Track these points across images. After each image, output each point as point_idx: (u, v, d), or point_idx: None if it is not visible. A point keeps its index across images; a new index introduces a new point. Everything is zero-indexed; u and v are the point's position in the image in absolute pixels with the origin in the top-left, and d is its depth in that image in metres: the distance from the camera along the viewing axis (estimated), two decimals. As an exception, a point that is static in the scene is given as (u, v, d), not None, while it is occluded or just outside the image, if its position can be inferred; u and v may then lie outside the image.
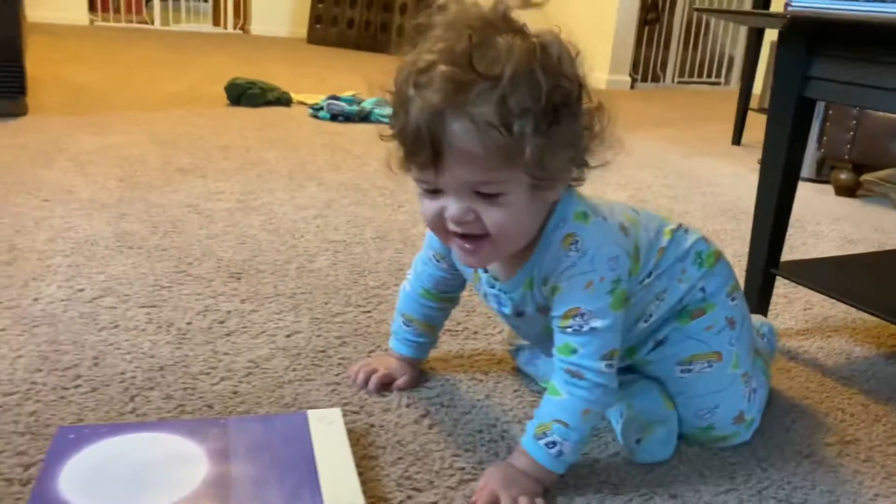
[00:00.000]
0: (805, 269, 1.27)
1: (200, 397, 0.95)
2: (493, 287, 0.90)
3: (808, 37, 1.08)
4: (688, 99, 4.41)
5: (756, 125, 3.24)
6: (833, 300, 1.47)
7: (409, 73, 0.73)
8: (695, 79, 5.04)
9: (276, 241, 1.52)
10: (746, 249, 1.26)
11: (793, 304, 1.42)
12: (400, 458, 0.86)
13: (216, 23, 6.42)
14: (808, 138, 1.17)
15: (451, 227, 0.78)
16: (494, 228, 0.77)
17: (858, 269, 1.31)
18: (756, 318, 1.12)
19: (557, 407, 0.81)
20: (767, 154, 1.17)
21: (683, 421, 0.92)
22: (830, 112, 2.27)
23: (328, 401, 0.96)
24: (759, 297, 1.24)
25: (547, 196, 0.79)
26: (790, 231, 1.22)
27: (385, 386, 1.00)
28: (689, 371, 0.91)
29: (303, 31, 6.05)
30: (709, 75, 5.10)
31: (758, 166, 2.54)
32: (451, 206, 0.76)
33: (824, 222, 2.02)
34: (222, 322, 1.16)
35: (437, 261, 0.97)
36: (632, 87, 4.64)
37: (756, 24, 1.69)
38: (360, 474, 0.83)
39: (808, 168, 2.45)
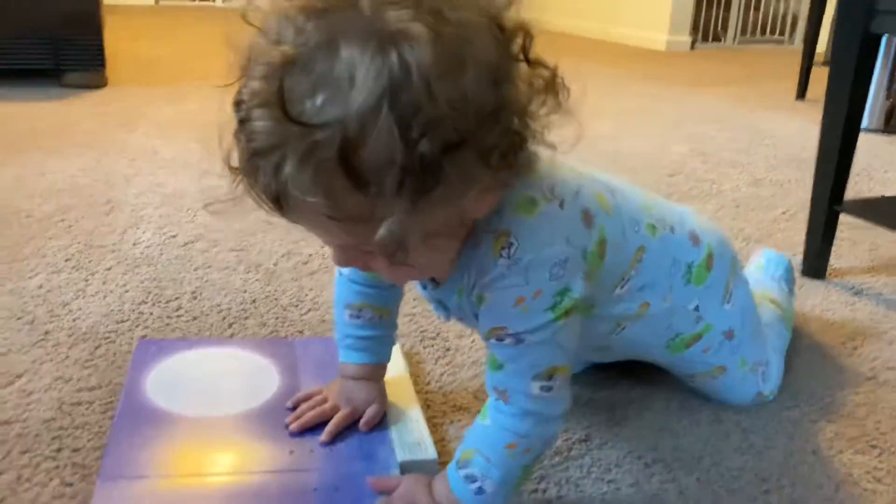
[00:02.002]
0: (869, 206, 1.28)
1: (291, 325, 1.03)
2: (424, 288, 0.73)
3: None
4: (750, 58, 4.33)
5: (821, 80, 3.19)
6: (899, 240, 1.47)
7: (235, 104, 0.53)
8: (757, 37, 4.93)
9: (349, 194, 1.59)
10: (808, 196, 1.28)
11: (857, 245, 1.43)
12: (478, 374, 0.93)
13: None
14: (872, 74, 1.18)
15: None
16: (390, 278, 0.65)
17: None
18: (768, 255, 1.12)
19: (480, 433, 0.67)
20: (832, 89, 1.19)
21: None
22: (899, 60, 2.23)
23: (407, 329, 1.03)
24: (822, 236, 1.25)
25: (461, 224, 0.60)
26: (856, 179, 1.24)
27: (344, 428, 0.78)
28: (693, 382, 0.89)
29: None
30: (771, 33, 4.98)
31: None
32: (334, 254, 0.61)
33: (892, 171, 2.00)
34: (305, 263, 1.23)
35: None
36: (692, 47, 4.58)
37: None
38: (439, 388, 0.90)
39: (876, 118, 2.40)
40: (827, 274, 1.28)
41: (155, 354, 0.90)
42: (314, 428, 0.77)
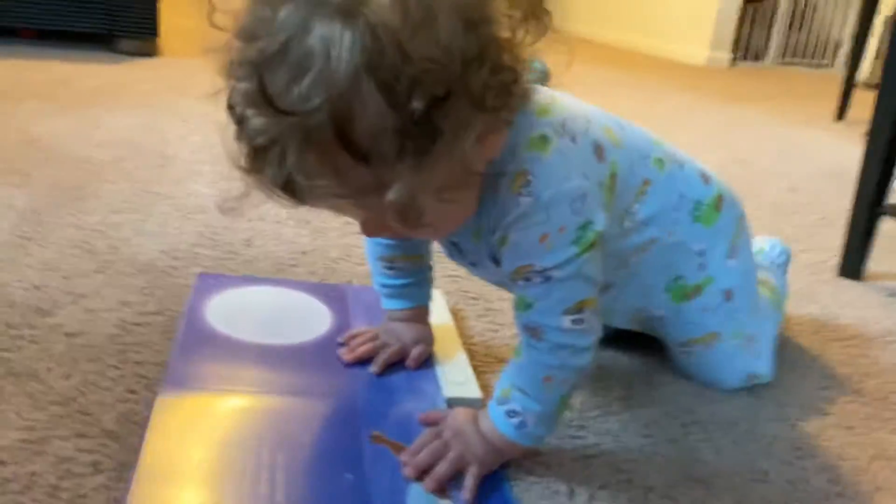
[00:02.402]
0: (912, 211, 1.29)
1: (341, 275, 1.06)
2: None
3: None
4: (790, 78, 4.33)
5: (860, 103, 3.18)
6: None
7: (228, 108, 0.55)
8: (798, 59, 4.93)
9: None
10: (847, 207, 1.29)
11: (894, 254, 1.44)
12: (516, 335, 0.95)
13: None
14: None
15: None
16: (416, 235, 0.66)
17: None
18: (772, 242, 1.09)
19: (516, 370, 0.69)
20: (884, 90, 1.20)
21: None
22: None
23: (450, 288, 1.06)
24: (862, 237, 1.27)
25: (471, 172, 0.58)
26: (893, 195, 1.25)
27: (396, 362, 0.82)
28: (687, 353, 0.87)
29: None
30: (812, 57, 4.97)
31: (862, 140, 2.51)
32: (363, 228, 0.62)
33: (930, 191, 2.00)
34: (351, 223, 1.27)
35: None
36: (732, 64, 4.58)
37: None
38: (482, 342, 0.92)
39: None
40: (863, 276, 1.29)
41: (214, 287, 0.93)
42: (365, 362, 0.80)
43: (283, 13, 0.50)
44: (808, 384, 0.92)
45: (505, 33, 0.54)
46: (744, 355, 0.87)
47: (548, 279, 0.64)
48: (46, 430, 0.67)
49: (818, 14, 4.94)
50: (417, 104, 0.49)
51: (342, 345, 0.83)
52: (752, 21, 4.71)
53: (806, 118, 2.95)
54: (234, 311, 0.88)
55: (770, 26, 4.79)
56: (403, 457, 0.66)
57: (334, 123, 0.49)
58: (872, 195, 1.24)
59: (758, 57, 4.79)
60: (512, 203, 0.62)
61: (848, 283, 1.26)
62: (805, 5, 4.84)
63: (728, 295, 0.84)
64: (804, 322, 1.08)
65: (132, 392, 0.74)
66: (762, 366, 0.88)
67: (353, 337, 0.84)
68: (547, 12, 0.57)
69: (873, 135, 1.24)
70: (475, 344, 0.92)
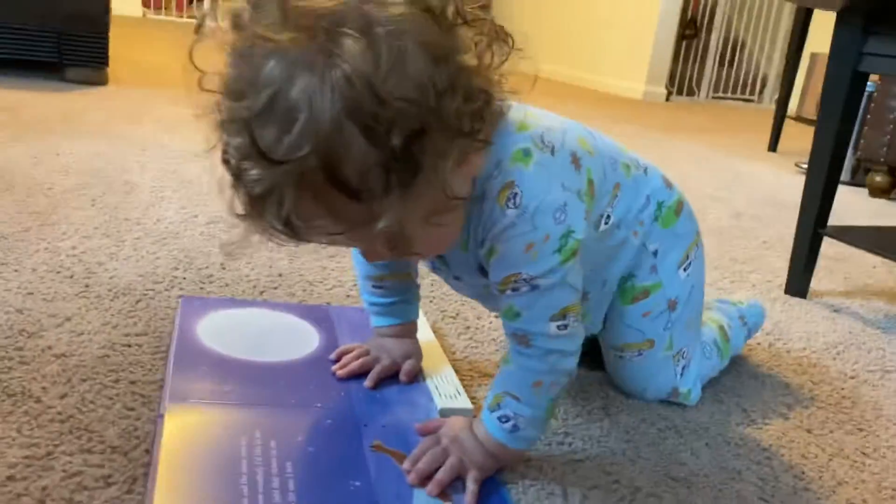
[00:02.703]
0: (849, 232, 1.39)
1: (319, 297, 1.09)
2: None
3: (864, 15, 1.21)
4: (722, 112, 4.53)
5: (791, 135, 3.37)
6: (869, 272, 1.59)
7: (224, 163, 0.58)
8: (729, 95, 5.17)
9: (358, 194, 1.65)
10: (787, 231, 1.38)
11: (834, 273, 1.54)
12: (498, 349, 0.99)
13: (263, 22, 6.61)
14: (858, 110, 1.30)
15: None
16: (420, 258, 0.70)
17: (898, 237, 1.43)
18: (753, 303, 1.08)
19: (506, 377, 0.72)
20: (822, 122, 1.30)
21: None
22: (869, 116, 2.39)
23: (428, 308, 1.09)
24: (806, 258, 1.36)
25: (454, 203, 0.61)
26: (829, 222, 1.34)
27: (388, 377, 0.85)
28: (620, 358, 0.89)
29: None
30: (742, 92, 5.22)
31: (796, 169, 2.66)
32: (360, 254, 0.68)
33: (861, 219, 2.14)
34: (325, 248, 1.29)
35: None
36: (667, 99, 4.77)
37: (816, 6, 1.82)
38: (464, 358, 0.96)
39: (844, 172, 2.55)
40: (808, 294, 1.38)
41: (200, 308, 0.95)
42: (358, 377, 0.83)
43: (265, 70, 0.53)
44: (768, 391, 0.99)
45: (473, 60, 0.58)
46: (671, 369, 0.89)
47: (535, 287, 0.68)
48: (51, 446, 0.68)
49: (746, 51, 5.21)
50: (396, 141, 0.53)
51: (334, 362, 0.85)
52: (686, 58, 4.93)
53: (741, 149, 3.10)
54: (223, 330, 0.90)
55: (702, 63, 5.02)
56: (405, 464, 0.69)
57: (324, 166, 0.53)
58: (815, 218, 1.33)
59: (691, 92, 5.00)
60: (499, 215, 0.66)
61: (795, 301, 1.34)
62: (734, 43, 5.10)
63: (672, 304, 0.87)
64: (759, 337, 1.15)
65: (130, 409, 0.75)
66: (686, 384, 0.90)
67: (344, 353, 0.86)
68: (509, 35, 0.61)
69: (813, 161, 1.33)
70: (458, 360, 0.95)
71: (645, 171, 0.85)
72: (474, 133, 0.58)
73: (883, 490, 0.80)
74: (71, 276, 1.04)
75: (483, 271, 0.73)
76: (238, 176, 0.56)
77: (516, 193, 0.65)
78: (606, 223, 0.79)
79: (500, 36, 0.60)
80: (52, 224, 1.23)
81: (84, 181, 1.48)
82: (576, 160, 0.72)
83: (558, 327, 0.70)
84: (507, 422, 0.71)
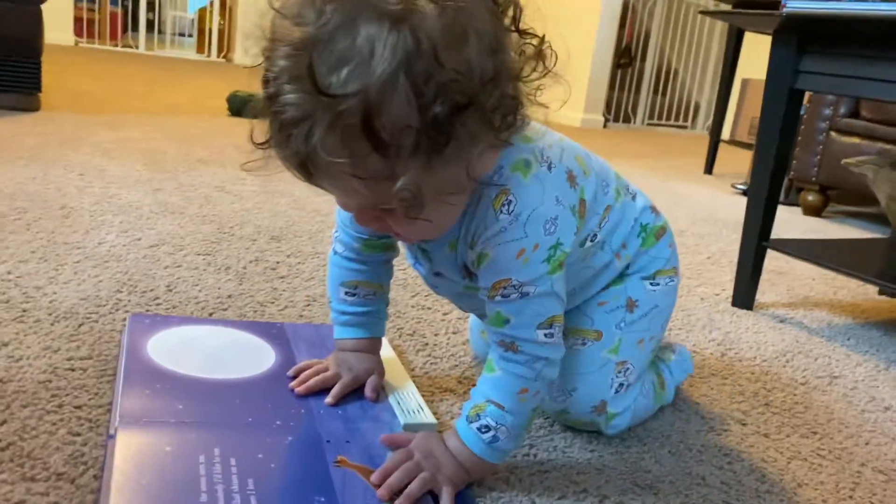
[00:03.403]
0: (792, 244, 1.43)
1: (270, 317, 1.06)
2: (413, 244, 0.78)
3: (799, 35, 1.26)
4: (658, 138, 4.66)
5: (726, 158, 3.48)
6: (810, 285, 1.63)
7: (264, 82, 0.58)
8: (663, 122, 5.31)
9: (306, 217, 1.63)
10: (729, 247, 1.42)
11: (776, 286, 1.58)
12: (456, 364, 0.98)
13: (200, 50, 6.54)
14: (797, 126, 1.34)
15: None
16: (406, 235, 0.69)
17: (837, 247, 1.48)
18: (682, 350, 1.00)
19: (491, 385, 0.71)
20: (762, 138, 1.34)
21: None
22: (800, 138, 2.48)
23: (387, 326, 1.07)
24: (752, 269, 1.39)
25: (469, 180, 0.63)
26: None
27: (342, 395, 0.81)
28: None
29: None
30: (676, 119, 5.38)
31: (732, 190, 2.74)
32: (352, 212, 0.66)
33: (796, 235, 2.20)
34: (274, 269, 1.26)
35: None
36: (604, 126, 4.88)
37: (751, 25, 1.89)
38: (424, 374, 0.94)
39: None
40: (754, 306, 1.41)
41: (149, 326, 0.91)
42: (318, 394, 0.80)
43: (332, 7, 0.54)
44: (724, 399, 1.00)
45: (516, 66, 0.61)
46: (608, 377, 0.82)
47: (524, 295, 0.68)
48: (-9, 474, 0.63)
49: (679, 79, 5.38)
50: (440, 109, 0.55)
51: (292, 378, 0.83)
52: (622, 86, 5.06)
53: (679, 173, 3.18)
54: (174, 348, 0.86)
55: (637, 90, 5.16)
56: (374, 478, 0.67)
57: (364, 112, 0.54)
58: (758, 232, 1.36)
59: (627, 119, 5.13)
60: (492, 219, 0.67)
61: (742, 313, 1.37)
62: (667, 71, 5.26)
63: (630, 304, 0.84)
64: (711, 346, 1.17)
65: (76, 434, 0.71)
66: (617, 406, 0.83)
67: (302, 370, 0.84)
68: (550, 56, 0.64)
69: (755, 177, 1.37)
70: (418, 376, 0.94)
71: (633, 197, 0.86)
72: (502, 129, 0.61)
73: (841, 490, 0.81)
74: (7, 301, 0.99)
75: (467, 271, 0.74)
76: (274, 97, 0.56)
77: (511, 201, 0.67)
78: (592, 241, 0.79)
79: (544, 54, 0.63)
80: (-16, 248, 1.17)
81: (18, 205, 1.42)
82: (571, 178, 0.73)
83: (545, 335, 0.70)
84: (486, 432, 0.70)
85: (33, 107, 2.53)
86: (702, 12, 2.97)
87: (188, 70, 5.09)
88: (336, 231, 0.84)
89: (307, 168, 0.58)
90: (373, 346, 0.86)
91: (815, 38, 1.25)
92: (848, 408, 1.02)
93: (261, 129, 0.59)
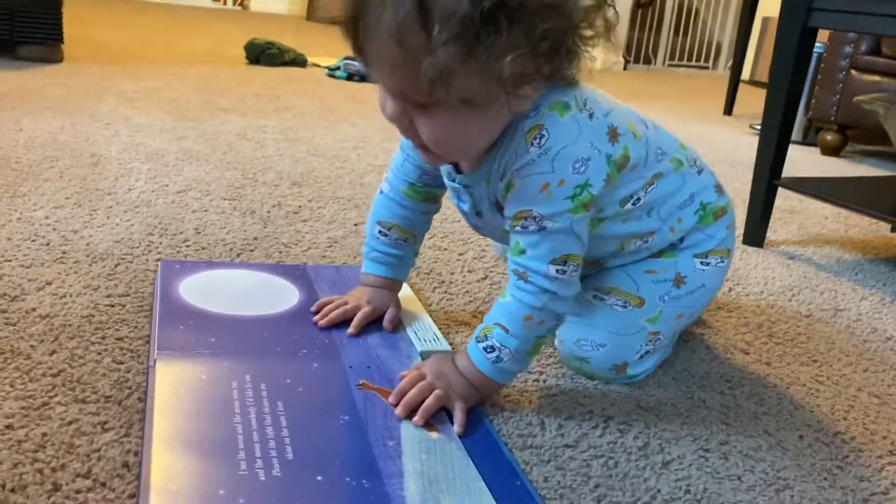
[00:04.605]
0: (802, 183, 1.45)
1: (295, 258, 1.11)
2: (452, 180, 0.81)
3: (812, -28, 1.26)
4: (678, 80, 4.61)
5: (744, 100, 3.45)
6: (822, 223, 1.66)
7: None
8: (684, 63, 5.24)
9: (325, 163, 1.67)
10: (744, 187, 1.44)
11: (788, 224, 1.60)
12: (471, 301, 1.03)
13: (216, -1, 6.51)
14: (809, 66, 1.35)
15: None
16: (427, 140, 0.69)
17: (849, 186, 1.49)
18: None
19: (500, 310, 0.75)
20: (774, 78, 1.35)
21: (563, 342, 0.85)
22: (819, 77, 2.47)
23: (403, 265, 1.12)
24: (762, 209, 1.41)
25: (501, 110, 0.68)
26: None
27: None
28: (601, 300, 0.84)
29: (302, 8, 6.16)
30: (697, 60, 5.30)
31: (751, 131, 2.73)
32: (387, 107, 0.69)
33: (813, 175, 2.21)
34: (296, 212, 1.31)
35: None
36: (624, 68, 4.83)
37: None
38: (440, 308, 0.99)
39: (796, 132, 2.64)
40: (765, 244, 1.44)
41: (179, 271, 0.96)
42: (339, 326, 0.86)
43: None
44: (730, 329, 1.04)
45: (575, 15, 0.65)
46: (638, 344, 0.84)
47: (542, 228, 0.72)
48: (46, 397, 0.70)
49: (700, 19, 5.28)
50: (488, 3, 0.59)
51: (315, 314, 0.88)
52: (642, 26, 4.98)
53: (698, 114, 3.17)
54: (204, 289, 0.92)
55: (658, 31, 5.09)
56: (391, 398, 0.72)
57: None
58: (769, 170, 1.38)
59: (648, 60, 5.06)
60: (522, 151, 0.71)
61: (752, 250, 1.40)
62: (688, 11, 5.17)
63: (678, 280, 0.85)
64: (719, 282, 1.21)
65: (119, 363, 0.77)
66: (639, 367, 0.85)
67: (324, 305, 0.89)
68: (612, 20, 0.68)
69: (767, 117, 1.38)
70: (434, 311, 0.99)
71: (699, 171, 0.87)
72: (542, 58, 0.64)
73: (836, 412, 0.86)
74: (47, 244, 1.04)
75: (500, 208, 0.77)
76: None
77: (543, 135, 0.70)
78: (634, 204, 0.81)
79: (608, 16, 0.68)
80: (21, 195, 1.23)
81: (50, 154, 1.47)
82: (613, 134, 0.75)
83: (557, 271, 0.73)
84: (491, 352, 0.74)
85: (56, 58, 2.57)
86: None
87: (205, 19, 5.08)
88: (388, 172, 0.90)
89: (357, 28, 0.65)
90: (393, 286, 0.91)
91: (829, -26, 1.25)
92: (850, 338, 1.06)
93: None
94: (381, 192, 0.90)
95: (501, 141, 0.72)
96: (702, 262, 0.86)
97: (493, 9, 0.59)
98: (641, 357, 0.85)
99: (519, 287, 0.74)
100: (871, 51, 2.38)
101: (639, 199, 0.81)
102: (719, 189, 0.89)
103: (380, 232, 0.90)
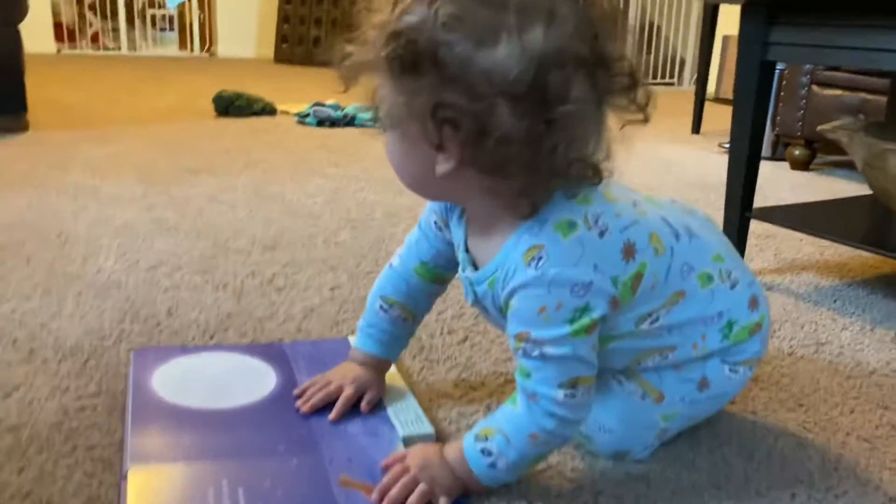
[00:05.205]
0: (775, 213, 1.45)
1: (270, 333, 1.09)
2: (464, 271, 0.79)
3: (767, 8, 1.27)
4: (646, 98, 4.65)
5: (712, 116, 3.48)
6: (797, 247, 1.66)
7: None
8: (650, 80, 5.30)
9: (299, 222, 1.66)
10: (717, 213, 1.44)
11: (764, 251, 1.61)
12: (452, 367, 1.02)
13: (182, 47, 6.51)
14: (770, 97, 1.36)
15: None
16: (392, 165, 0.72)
17: (820, 212, 1.50)
18: None
19: (507, 417, 0.72)
20: (738, 112, 1.35)
21: None
22: (782, 93, 2.49)
23: (381, 332, 1.11)
24: (737, 241, 1.41)
25: (432, 160, 0.67)
26: (755, 200, 1.40)
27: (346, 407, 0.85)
28: (620, 383, 0.81)
29: (269, 51, 6.17)
30: (662, 76, 5.36)
31: (720, 149, 2.75)
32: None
33: (784, 191, 2.23)
34: (271, 281, 1.30)
35: (439, 229, 0.84)
36: (592, 89, 4.88)
37: (721, 0, 1.89)
38: (421, 380, 0.98)
39: (764, 148, 2.65)
40: (742, 275, 1.43)
41: (152, 360, 0.94)
42: (321, 410, 0.84)
43: None
44: (714, 378, 1.03)
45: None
46: (649, 438, 0.81)
47: (543, 354, 0.69)
48: (15, 525, 0.67)
49: (662, 35, 5.35)
50: (416, 46, 0.62)
51: (296, 398, 0.86)
52: (606, 48, 5.04)
53: (667, 133, 3.19)
54: (178, 380, 0.90)
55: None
56: (374, 496, 0.70)
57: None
58: (740, 203, 1.39)
59: (615, 80, 5.11)
60: (521, 270, 0.68)
61: (730, 283, 1.40)
62: (650, 28, 5.24)
63: (703, 384, 0.81)
64: (700, 323, 1.20)
65: (91, 476, 0.75)
66: (640, 454, 0.82)
67: (307, 388, 0.87)
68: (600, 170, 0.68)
69: (733, 149, 1.39)
70: (415, 382, 0.97)
71: (733, 286, 0.81)
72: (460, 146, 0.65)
73: (826, 463, 0.85)
74: (14, 342, 1.02)
75: (502, 313, 0.74)
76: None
77: (542, 257, 0.68)
78: (653, 324, 0.76)
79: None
80: (-13, 288, 1.20)
81: (17, 237, 1.45)
82: (630, 250, 0.72)
83: (566, 395, 0.70)
84: (488, 456, 0.71)
85: (21, 127, 2.55)
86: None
87: (173, 69, 5.08)
88: (401, 248, 0.89)
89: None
90: (381, 366, 0.90)
91: (782, 9, 1.26)
92: (834, 376, 1.05)
93: None
94: (391, 265, 0.89)
95: (506, 248, 0.70)
96: (730, 369, 0.83)
97: (416, 56, 0.61)
98: (644, 449, 0.82)
99: (528, 406, 0.71)
100: (829, 66, 2.41)
101: (657, 317, 0.76)
102: (753, 304, 0.83)
103: (380, 307, 0.88)
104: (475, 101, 0.61)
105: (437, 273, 0.87)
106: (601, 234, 0.70)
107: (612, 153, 0.69)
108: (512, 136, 0.62)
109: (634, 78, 0.66)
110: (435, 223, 0.84)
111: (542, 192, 0.68)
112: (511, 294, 0.70)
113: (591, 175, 0.67)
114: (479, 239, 0.76)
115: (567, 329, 0.68)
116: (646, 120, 0.68)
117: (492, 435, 0.72)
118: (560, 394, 0.69)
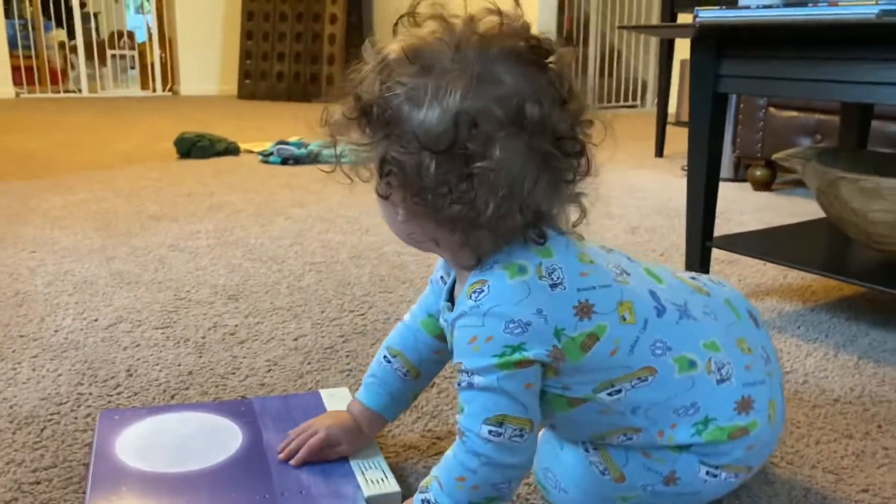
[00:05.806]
0: (736, 241, 1.47)
1: (232, 390, 1.07)
2: (443, 315, 0.79)
3: (716, 42, 1.29)
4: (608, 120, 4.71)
5: (674, 138, 3.53)
6: (761, 271, 1.68)
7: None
8: (612, 104, 5.37)
9: (262, 268, 1.64)
10: (681, 240, 1.46)
11: (728, 278, 1.62)
12: (419, 417, 1.00)
13: (144, 86, 6.49)
14: (724, 128, 1.38)
15: None
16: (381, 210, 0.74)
17: (780, 238, 1.52)
18: None
19: (442, 462, 0.71)
20: (693, 142, 1.37)
21: (538, 454, 0.78)
22: (741, 116, 2.53)
23: (348, 382, 1.09)
24: (699, 269, 1.42)
25: (402, 211, 0.69)
26: (718, 222, 1.42)
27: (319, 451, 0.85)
28: (586, 451, 0.77)
29: (232, 87, 6.17)
30: (625, 99, 5.43)
31: (682, 172, 2.78)
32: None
33: (746, 213, 2.26)
34: (233, 334, 1.28)
35: (444, 283, 0.83)
36: (556, 115, 4.93)
37: (671, 36, 1.93)
38: (387, 432, 0.96)
39: (726, 169, 2.70)
40: (706, 303, 1.44)
41: (119, 422, 0.92)
42: (285, 473, 0.83)
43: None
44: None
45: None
46: None
47: (471, 385, 0.68)
48: None
49: (623, 59, 5.43)
50: (372, 103, 0.67)
51: (260, 457, 0.86)
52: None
53: (631, 158, 3.23)
54: (143, 443, 0.88)
55: (584, 74, 5.21)
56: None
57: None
58: (701, 233, 1.40)
59: (578, 105, 5.17)
60: (463, 300, 0.70)
61: (695, 313, 1.41)
62: (611, 53, 5.31)
63: (670, 479, 0.75)
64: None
65: (46, 557, 0.72)
66: None
67: (291, 435, 0.88)
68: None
69: (691, 179, 1.40)
70: (382, 434, 0.96)
71: (721, 380, 0.74)
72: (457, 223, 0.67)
73: (794, 499, 0.84)
74: (-34, 414, 0.99)
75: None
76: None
77: (483, 291, 0.68)
78: (613, 395, 0.72)
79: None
80: (-61, 355, 1.17)
81: (-30, 299, 1.42)
82: (586, 310, 0.69)
83: (490, 432, 0.67)
84: None
85: (-22, 179, 2.50)
86: (620, 27, 3.06)
87: (136, 109, 5.05)
88: (413, 308, 0.89)
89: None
90: (374, 422, 0.89)
91: (731, 44, 1.28)
92: (799, 406, 1.06)
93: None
94: (402, 319, 0.90)
95: (460, 286, 0.73)
96: (709, 472, 0.75)
97: (368, 115, 0.66)
98: None
99: (457, 444, 0.70)
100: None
101: (619, 389, 0.72)
102: (743, 406, 0.75)
103: (385, 357, 0.88)
104: (408, 156, 0.65)
105: (438, 328, 0.85)
106: (552, 286, 0.69)
107: (586, 209, 0.72)
108: (439, 189, 0.65)
109: (581, 144, 0.69)
110: (441, 278, 0.84)
111: (486, 245, 0.69)
112: (452, 325, 0.71)
113: (528, 231, 0.69)
114: (458, 286, 0.77)
115: (494, 361, 0.67)
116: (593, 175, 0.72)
117: (430, 483, 0.72)
118: (485, 430, 0.67)
